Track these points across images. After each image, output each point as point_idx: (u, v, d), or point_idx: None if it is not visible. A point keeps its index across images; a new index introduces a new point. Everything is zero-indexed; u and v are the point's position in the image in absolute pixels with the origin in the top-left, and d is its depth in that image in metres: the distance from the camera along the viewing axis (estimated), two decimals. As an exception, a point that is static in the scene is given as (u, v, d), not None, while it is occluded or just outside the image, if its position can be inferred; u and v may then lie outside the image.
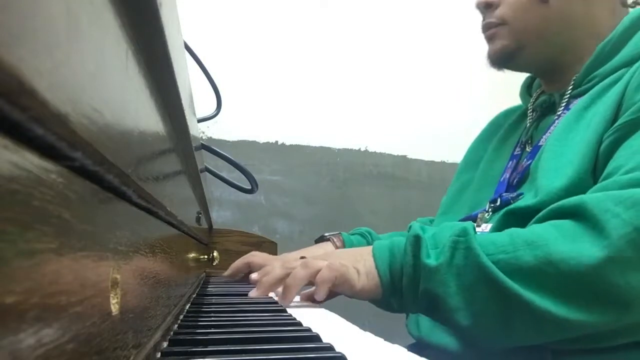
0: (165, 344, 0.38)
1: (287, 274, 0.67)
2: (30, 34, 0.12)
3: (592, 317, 0.54)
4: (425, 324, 0.79)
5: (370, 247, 0.69)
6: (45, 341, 0.14)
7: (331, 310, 0.67)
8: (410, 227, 0.66)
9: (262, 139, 1.76)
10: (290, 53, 1.78)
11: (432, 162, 1.89)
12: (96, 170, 0.20)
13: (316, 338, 0.42)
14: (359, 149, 1.86)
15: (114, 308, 0.22)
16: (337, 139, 1.83)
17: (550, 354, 0.61)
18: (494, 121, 0.99)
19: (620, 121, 0.64)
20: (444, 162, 1.90)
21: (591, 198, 0.56)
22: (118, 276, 0.23)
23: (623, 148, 0.62)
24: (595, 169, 0.64)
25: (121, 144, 0.22)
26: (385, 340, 0.46)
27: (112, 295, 0.22)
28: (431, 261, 0.60)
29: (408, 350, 0.42)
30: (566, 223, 0.57)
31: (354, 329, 0.53)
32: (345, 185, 1.83)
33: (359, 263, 0.67)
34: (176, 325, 0.47)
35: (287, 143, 1.78)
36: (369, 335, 0.49)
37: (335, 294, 0.71)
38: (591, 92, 0.72)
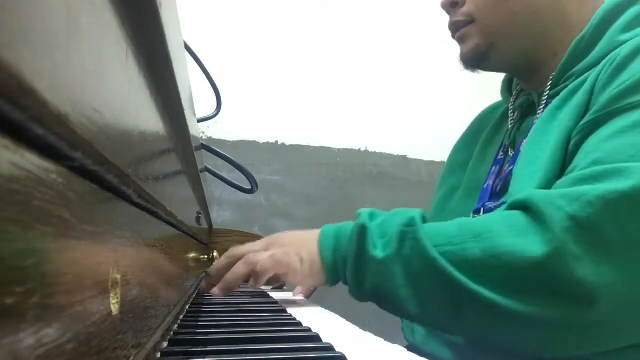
0: (165, 344, 0.38)
1: (251, 270, 0.68)
2: (30, 34, 0.12)
3: (545, 311, 0.53)
4: (421, 332, 0.79)
5: (317, 232, 0.68)
6: (45, 341, 0.14)
7: (331, 310, 0.67)
8: (359, 214, 0.65)
9: (262, 139, 1.76)
10: (290, 53, 1.78)
11: (432, 162, 1.89)
12: (96, 170, 0.20)
13: (316, 338, 0.42)
14: (359, 149, 1.86)
15: (114, 308, 0.22)
16: (337, 139, 1.83)
17: None
18: (478, 119, 0.95)
19: (582, 121, 0.62)
20: (443, 162, 1.88)
21: (539, 192, 0.56)
22: (118, 276, 0.23)
23: (582, 147, 0.60)
24: (563, 172, 0.63)
25: (121, 144, 0.22)
26: (385, 340, 0.46)
27: (112, 295, 0.22)
28: (378, 252, 0.60)
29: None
30: (514, 214, 0.57)
31: (354, 329, 0.53)
32: (345, 185, 1.83)
33: (303, 250, 0.67)
34: (176, 325, 0.47)
35: (287, 143, 1.78)
36: (369, 335, 0.49)
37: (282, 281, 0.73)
38: (564, 91, 0.69)
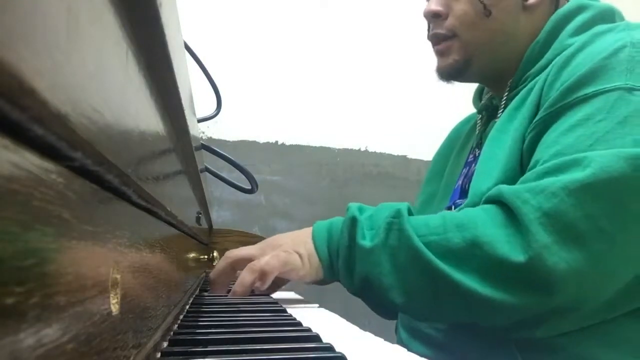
0: (165, 344, 0.38)
1: (256, 277, 0.68)
2: (30, 34, 0.12)
3: (516, 300, 0.56)
4: (403, 335, 0.81)
5: (310, 230, 0.72)
6: (45, 341, 0.14)
7: (331, 310, 0.67)
8: (348, 207, 0.69)
9: (262, 139, 1.76)
10: (290, 53, 1.78)
11: (432, 162, 1.89)
12: (96, 170, 0.20)
13: (316, 338, 0.42)
14: (359, 149, 1.86)
15: (114, 308, 0.22)
16: (337, 139, 1.83)
17: (516, 350, 0.62)
18: (454, 130, 1.00)
19: (536, 118, 0.65)
20: (444, 162, 1.90)
21: (508, 188, 0.59)
22: (118, 276, 0.23)
23: (541, 143, 0.63)
24: (522, 167, 0.66)
25: (121, 144, 0.22)
26: (385, 340, 0.46)
27: (112, 295, 0.22)
28: (366, 242, 0.63)
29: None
30: (491, 207, 0.60)
31: (354, 329, 0.53)
32: (345, 185, 1.83)
33: (300, 247, 0.69)
34: (176, 325, 0.47)
35: (287, 143, 1.78)
36: (369, 335, 0.49)
37: (282, 283, 0.74)
38: (521, 93, 0.73)
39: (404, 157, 1.90)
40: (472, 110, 1.02)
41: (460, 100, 1.83)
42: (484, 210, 0.60)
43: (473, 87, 0.96)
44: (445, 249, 0.59)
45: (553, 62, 0.69)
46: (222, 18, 1.71)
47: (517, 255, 0.55)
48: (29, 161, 0.14)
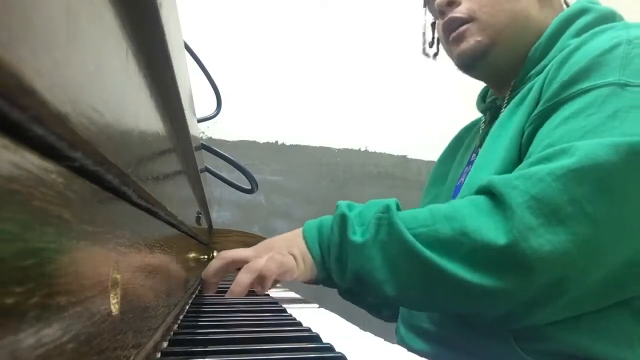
0: (165, 344, 0.38)
1: (255, 277, 0.68)
2: (30, 34, 0.12)
3: (503, 283, 0.57)
4: (403, 331, 0.82)
5: (300, 230, 0.72)
6: (45, 341, 0.14)
7: (331, 310, 0.67)
8: (337, 205, 0.69)
9: (262, 139, 1.76)
10: (290, 53, 1.78)
11: (432, 162, 1.88)
12: (96, 170, 0.20)
13: (316, 338, 0.42)
14: (359, 149, 1.86)
15: (114, 308, 0.22)
16: (337, 139, 1.83)
17: (514, 341, 0.63)
18: (458, 136, 1.00)
19: (534, 112, 0.67)
20: (444, 162, 1.90)
21: (498, 177, 0.61)
22: (118, 276, 0.23)
23: (536, 136, 0.65)
24: (520, 160, 0.67)
25: (121, 144, 0.22)
26: (385, 340, 0.46)
27: (112, 295, 0.22)
28: (357, 238, 0.64)
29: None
30: (478, 198, 0.62)
31: (354, 329, 0.53)
32: (345, 185, 1.83)
33: (293, 248, 0.70)
34: (176, 325, 0.47)
35: (287, 143, 1.78)
36: (369, 335, 0.49)
37: (276, 282, 0.74)
38: (522, 91, 0.73)
39: (404, 157, 1.90)
40: (471, 110, 1.02)
41: (460, 100, 1.83)
42: (470, 200, 0.62)
43: (473, 87, 0.96)
44: (434, 240, 0.60)
45: (553, 60, 0.70)
46: (222, 18, 1.71)
47: (502, 239, 0.56)
48: (29, 161, 0.14)
